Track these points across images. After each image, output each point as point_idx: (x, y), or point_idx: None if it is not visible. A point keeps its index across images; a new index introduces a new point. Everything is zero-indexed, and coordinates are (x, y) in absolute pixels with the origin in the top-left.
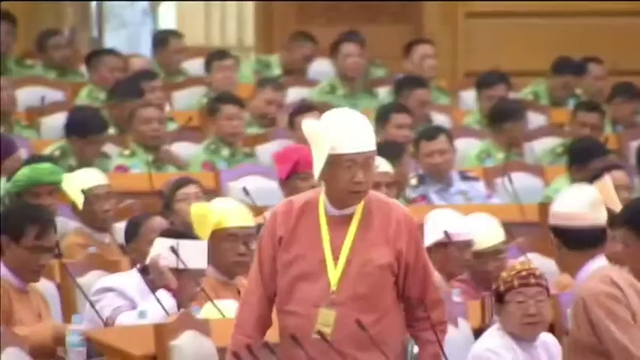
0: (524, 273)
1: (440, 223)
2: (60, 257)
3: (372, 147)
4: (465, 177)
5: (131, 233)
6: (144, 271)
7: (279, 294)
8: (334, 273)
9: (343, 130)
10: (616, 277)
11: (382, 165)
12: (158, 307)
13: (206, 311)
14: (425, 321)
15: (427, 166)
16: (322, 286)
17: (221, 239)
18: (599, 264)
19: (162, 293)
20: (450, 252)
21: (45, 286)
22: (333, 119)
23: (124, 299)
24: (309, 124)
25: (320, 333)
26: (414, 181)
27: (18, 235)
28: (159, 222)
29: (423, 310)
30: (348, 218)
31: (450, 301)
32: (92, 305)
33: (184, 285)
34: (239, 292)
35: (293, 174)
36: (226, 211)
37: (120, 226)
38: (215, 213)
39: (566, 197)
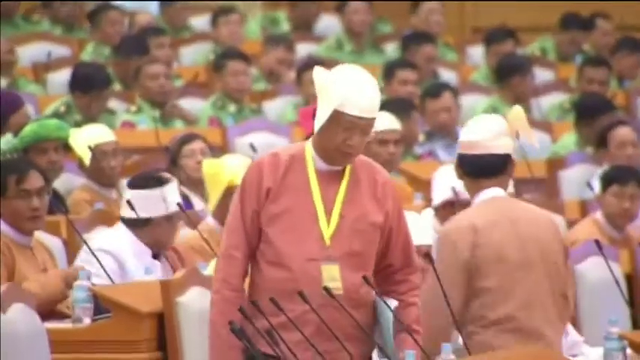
0: None
1: (447, 181)
2: (66, 213)
3: (376, 114)
4: None
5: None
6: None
7: (263, 247)
8: (327, 228)
9: (354, 90)
10: None
11: (391, 122)
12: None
13: (212, 267)
14: (406, 283)
15: (433, 122)
16: (316, 241)
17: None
18: (494, 193)
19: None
20: (458, 210)
21: (51, 242)
22: (346, 75)
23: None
24: (320, 74)
25: (326, 288)
26: (421, 138)
27: (2, 188)
28: None
29: (406, 273)
30: (339, 174)
31: None
32: (100, 263)
33: (155, 233)
34: None
35: None
36: (239, 169)
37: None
38: (228, 170)
39: (471, 126)
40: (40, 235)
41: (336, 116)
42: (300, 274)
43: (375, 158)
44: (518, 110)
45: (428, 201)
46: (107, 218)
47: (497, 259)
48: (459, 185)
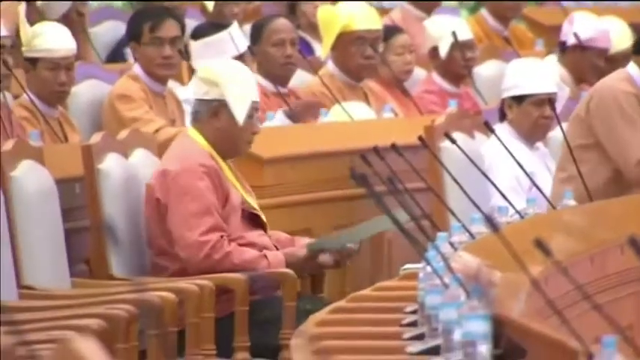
0: None
1: (575, 25)
2: (188, 59)
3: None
4: None
5: (256, 35)
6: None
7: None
8: None
9: None
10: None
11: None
12: None
13: (334, 113)
14: None
15: None
16: None
17: (348, 42)
18: None
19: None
20: (586, 57)
21: (177, 90)
22: None
23: None
24: None
25: None
26: None
27: (138, 35)
28: (282, 23)
29: None
30: None
31: None
32: None
33: None
34: (365, 95)
35: None
36: (354, 14)
37: (247, 29)
38: (342, 16)
39: None
40: (172, 84)
41: None
42: None
43: None
44: None
45: (550, 47)
46: None
47: None
48: (586, 31)
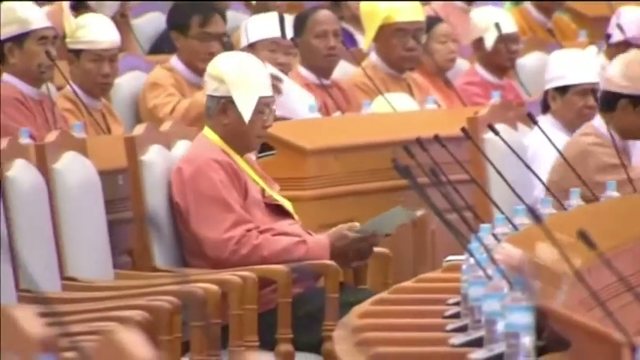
0: None
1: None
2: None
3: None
4: None
5: (299, 27)
6: None
7: None
8: None
9: None
10: None
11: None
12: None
13: (377, 104)
14: None
15: None
16: None
17: (390, 34)
18: None
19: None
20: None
21: None
22: None
23: None
24: None
25: None
26: None
27: (185, 26)
28: (326, 14)
29: None
30: None
31: None
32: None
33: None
34: (409, 86)
35: None
36: (395, 6)
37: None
38: (384, 8)
39: None
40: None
41: None
42: None
43: None
44: None
45: (593, 38)
46: None
47: None
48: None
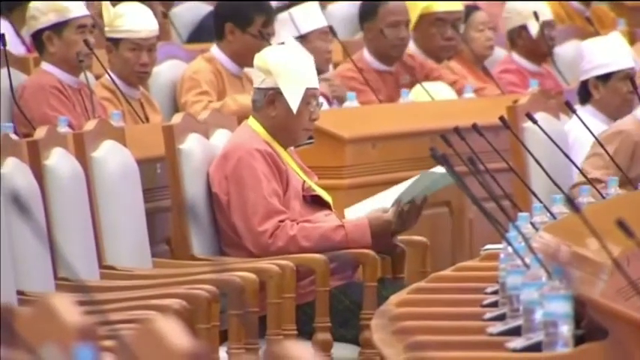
0: None
1: None
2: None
3: None
4: None
5: (369, 13)
6: None
7: None
8: None
9: None
10: None
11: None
12: None
13: (415, 93)
14: None
15: None
16: None
17: (428, 23)
18: None
19: None
20: None
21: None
22: None
23: None
24: None
25: None
26: None
27: (247, 23)
28: (399, 4)
29: None
30: None
31: None
32: None
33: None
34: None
35: None
36: None
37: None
38: None
39: None
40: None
41: None
42: None
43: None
44: None
45: (632, 27)
46: None
47: None
48: None
